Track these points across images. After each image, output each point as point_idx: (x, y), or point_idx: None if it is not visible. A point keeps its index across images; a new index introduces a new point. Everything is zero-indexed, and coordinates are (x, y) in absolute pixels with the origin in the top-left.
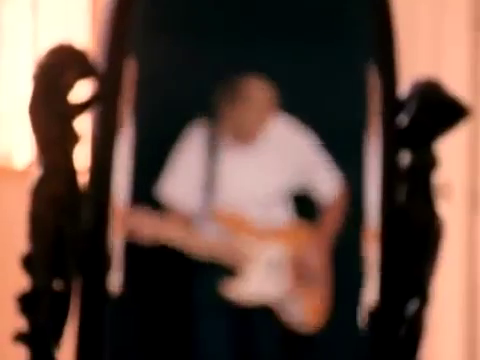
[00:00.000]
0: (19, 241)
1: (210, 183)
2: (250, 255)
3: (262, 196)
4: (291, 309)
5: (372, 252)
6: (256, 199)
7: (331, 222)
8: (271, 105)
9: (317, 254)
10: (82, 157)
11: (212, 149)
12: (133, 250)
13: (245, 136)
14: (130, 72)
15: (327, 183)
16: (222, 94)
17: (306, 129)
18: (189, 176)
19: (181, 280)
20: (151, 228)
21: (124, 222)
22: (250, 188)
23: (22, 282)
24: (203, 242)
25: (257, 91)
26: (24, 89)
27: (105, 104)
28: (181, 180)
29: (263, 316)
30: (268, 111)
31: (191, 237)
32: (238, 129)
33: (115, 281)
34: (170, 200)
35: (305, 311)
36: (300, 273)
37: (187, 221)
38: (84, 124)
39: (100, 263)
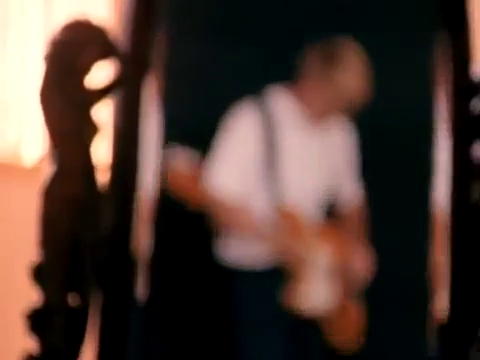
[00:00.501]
0: (29, 249)
1: (271, 172)
2: (308, 259)
3: (317, 190)
4: (336, 322)
5: (441, 258)
6: (313, 193)
7: (356, 229)
8: (368, 71)
9: (364, 262)
10: (102, 151)
11: (271, 133)
12: (162, 254)
13: (339, 104)
14: (159, 50)
15: (351, 191)
16: (312, 58)
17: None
18: (243, 164)
19: (220, 285)
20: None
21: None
22: (310, 180)
23: (32, 296)
24: (264, 240)
25: (356, 53)
26: (34, 72)
27: (129, 89)
28: (234, 169)
29: (312, 329)
30: (366, 78)
31: (251, 232)
32: (333, 96)
33: (140, 291)
34: (222, 192)
35: (346, 325)
36: (345, 281)
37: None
38: (104, 113)
39: (123, 273)
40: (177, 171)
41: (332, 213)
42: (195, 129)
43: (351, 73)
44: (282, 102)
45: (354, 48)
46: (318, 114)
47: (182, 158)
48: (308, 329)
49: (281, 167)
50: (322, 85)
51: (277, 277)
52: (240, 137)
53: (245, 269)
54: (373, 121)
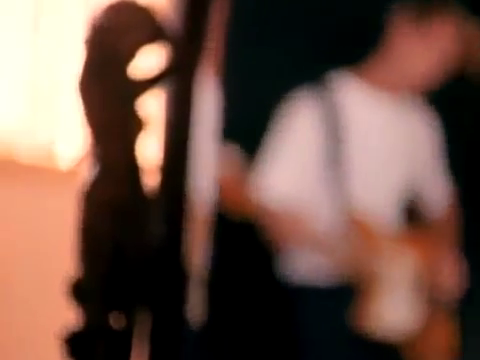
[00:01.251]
0: (66, 262)
1: (336, 172)
2: (382, 273)
3: (394, 190)
4: (420, 346)
5: None
6: (389, 195)
7: (446, 235)
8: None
9: (452, 272)
10: (150, 150)
11: (335, 126)
12: (219, 269)
13: (435, 71)
14: (216, 32)
15: (438, 190)
16: (402, 21)
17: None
18: (302, 164)
19: (283, 305)
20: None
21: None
22: (385, 178)
23: (70, 317)
24: (329, 254)
25: (455, 13)
26: (72, 59)
27: (181, 78)
28: (290, 171)
29: (390, 355)
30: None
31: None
32: (428, 60)
33: (194, 312)
34: (273, 199)
35: (433, 349)
36: (433, 298)
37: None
38: (152, 106)
39: (174, 291)
40: (224, 175)
41: (415, 217)
42: (247, 123)
43: (451, 35)
44: (348, 88)
45: (453, 7)
46: (398, 93)
47: (229, 159)
48: (384, 355)
49: (348, 166)
50: (415, 48)
51: (346, 295)
52: (298, 132)
53: (310, 287)
54: (465, 101)
